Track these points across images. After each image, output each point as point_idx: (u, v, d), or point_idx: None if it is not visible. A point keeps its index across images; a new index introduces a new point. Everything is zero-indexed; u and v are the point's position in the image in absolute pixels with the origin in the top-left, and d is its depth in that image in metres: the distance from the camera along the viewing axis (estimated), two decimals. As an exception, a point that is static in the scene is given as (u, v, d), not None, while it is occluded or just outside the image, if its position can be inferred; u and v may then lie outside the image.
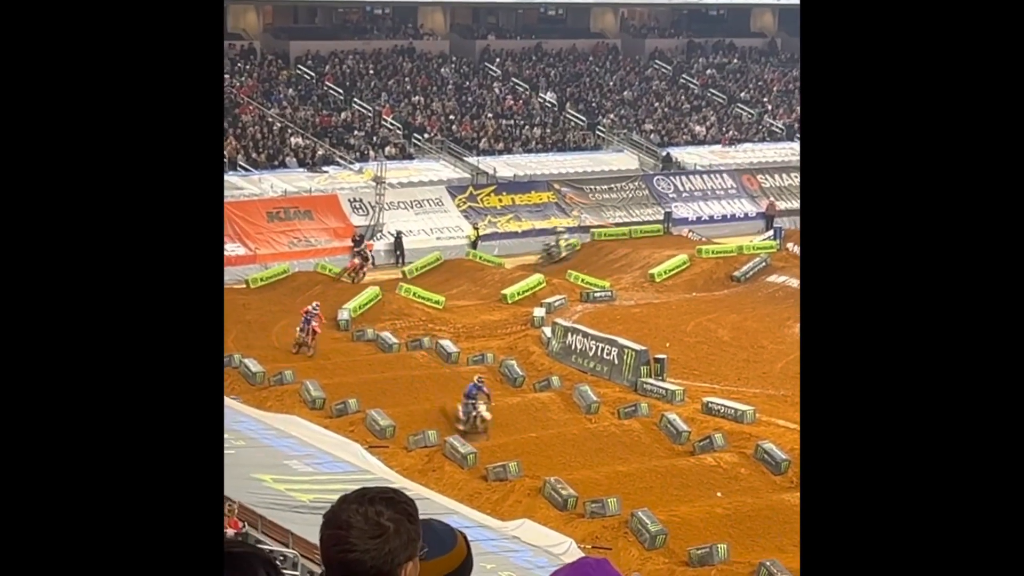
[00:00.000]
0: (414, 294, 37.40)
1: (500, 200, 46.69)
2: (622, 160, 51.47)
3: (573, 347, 31.65)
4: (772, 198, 50.05)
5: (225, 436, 15.86)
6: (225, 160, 42.17)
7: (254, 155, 45.73)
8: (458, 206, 45.75)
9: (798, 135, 54.49)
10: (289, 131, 47.60)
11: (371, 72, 53.45)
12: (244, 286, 38.20)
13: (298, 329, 32.79)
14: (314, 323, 32.59)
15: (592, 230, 45.78)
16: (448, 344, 32.48)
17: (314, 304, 33.55)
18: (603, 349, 30.88)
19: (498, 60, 56.82)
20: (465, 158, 48.80)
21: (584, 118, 53.66)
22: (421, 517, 2.96)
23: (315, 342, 32.67)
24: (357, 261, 40.29)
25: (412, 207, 45.11)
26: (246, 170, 44.59)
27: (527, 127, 52.08)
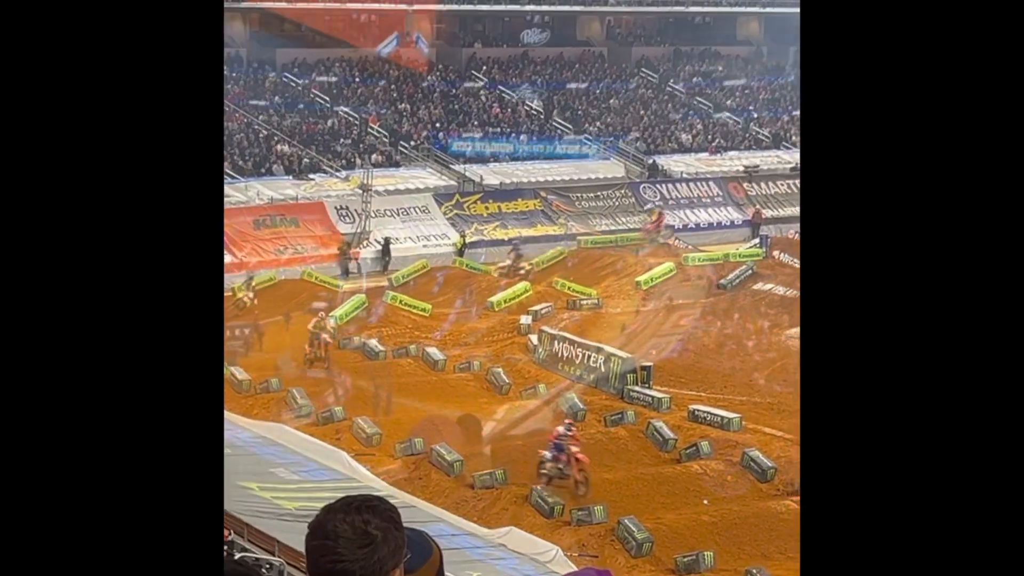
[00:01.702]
0: (400, 302, 37.35)
1: (487, 208, 46.67)
2: (608, 168, 51.51)
3: (560, 355, 31.63)
4: (758, 206, 50.12)
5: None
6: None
7: (240, 162, 45.66)
8: (444, 214, 45.74)
9: (784, 143, 54.67)
10: (275, 138, 47.54)
11: (357, 80, 53.43)
12: (231, 294, 38.12)
13: (548, 456, 24.11)
14: (576, 450, 23.88)
15: (578, 238, 45.80)
16: (435, 352, 32.43)
17: (566, 423, 24.86)
18: (589, 357, 30.88)
19: (484, 68, 56.83)
20: (451, 166, 48.79)
21: (570, 126, 53.68)
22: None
23: (584, 475, 23.86)
24: (322, 355, 31.85)
25: (399, 215, 45.10)
26: (232, 177, 44.49)
27: (513, 135, 52.09)
